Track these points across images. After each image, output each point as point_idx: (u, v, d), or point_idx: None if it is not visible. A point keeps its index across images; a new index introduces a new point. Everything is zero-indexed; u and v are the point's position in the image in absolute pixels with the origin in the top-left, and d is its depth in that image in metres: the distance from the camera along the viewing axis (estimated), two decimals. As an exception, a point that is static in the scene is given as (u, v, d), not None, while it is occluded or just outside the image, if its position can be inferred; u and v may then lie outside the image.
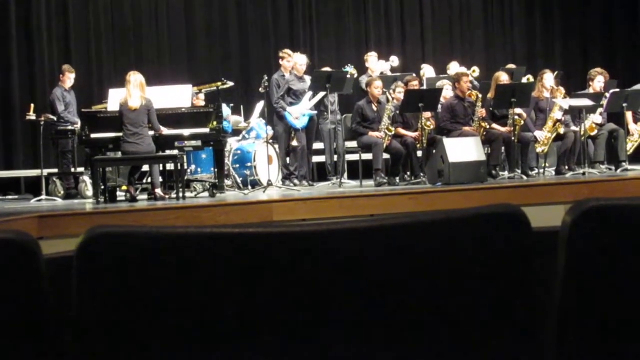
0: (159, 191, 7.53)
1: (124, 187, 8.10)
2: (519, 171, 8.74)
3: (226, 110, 9.02)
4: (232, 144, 9.17)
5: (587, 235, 1.25)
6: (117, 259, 1.14)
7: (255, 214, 6.63)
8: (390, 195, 7.21)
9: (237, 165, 8.95)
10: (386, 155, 8.61)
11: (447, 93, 9.06)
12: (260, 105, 9.34)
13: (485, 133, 8.73)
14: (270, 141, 8.92)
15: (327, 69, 9.66)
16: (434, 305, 1.21)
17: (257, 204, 7.00)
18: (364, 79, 9.68)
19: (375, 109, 8.72)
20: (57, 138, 9.13)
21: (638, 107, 9.39)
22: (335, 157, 9.61)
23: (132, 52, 11.53)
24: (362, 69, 10.12)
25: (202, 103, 9.02)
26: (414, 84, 9.08)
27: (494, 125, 8.86)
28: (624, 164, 9.04)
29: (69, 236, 5.71)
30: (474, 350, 1.23)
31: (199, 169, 8.98)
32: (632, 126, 9.43)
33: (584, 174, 8.54)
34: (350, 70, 9.52)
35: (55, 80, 9.95)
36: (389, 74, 10.27)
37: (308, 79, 9.10)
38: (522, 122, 8.85)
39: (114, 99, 7.94)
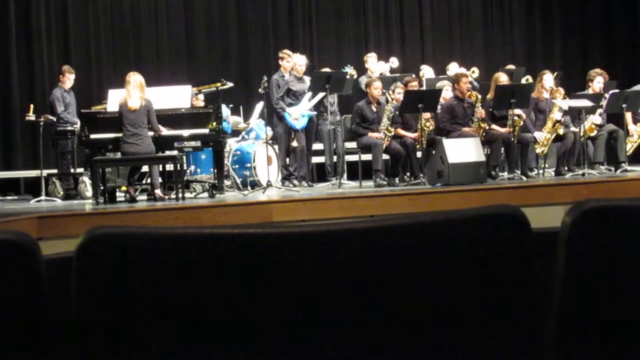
0: (158, 192, 7.53)
1: (124, 188, 8.09)
2: (519, 172, 8.74)
3: (225, 110, 9.02)
4: (232, 144, 9.16)
5: (586, 235, 1.25)
6: (117, 260, 1.14)
7: (254, 215, 6.63)
8: (389, 196, 7.21)
9: (237, 166, 8.94)
10: (385, 156, 8.61)
11: (447, 94, 9.05)
12: (259, 106, 9.33)
13: (484, 134, 8.73)
14: (270, 142, 8.91)
15: (327, 69, 9.64)
16: (433, 305, 1.21)
17: (256, 205, 7.00)
18: (363, 80, 9.67)
19: (374, 109, 8.72)
20: (57, 138, 9.13)
21: (637, 108, 9.39)
22: (335, 158, 9.60)
23: (131, 53, 11.52)
24: (362, 70, 10.12)
25: (202, 103, 9.03)
26: (414, 85, 9.07)
27: (494, 126, 8.86)
28: (623, 164, 9.05)
29: (68, 237, 5.70)
30: (474, 351, 1.23)
31: (199, 170, 8.98)
32: (631, 127, 9.43)
33: (583, 174, 8.54)
34: (350, 70, 9.53)
35: (54, 81, 9.95)
36: (389, 74, 10.27)
37: (307, 79, 9.09)
38: (522, 123, 8.85)
39: (114, 100, 7.93)
